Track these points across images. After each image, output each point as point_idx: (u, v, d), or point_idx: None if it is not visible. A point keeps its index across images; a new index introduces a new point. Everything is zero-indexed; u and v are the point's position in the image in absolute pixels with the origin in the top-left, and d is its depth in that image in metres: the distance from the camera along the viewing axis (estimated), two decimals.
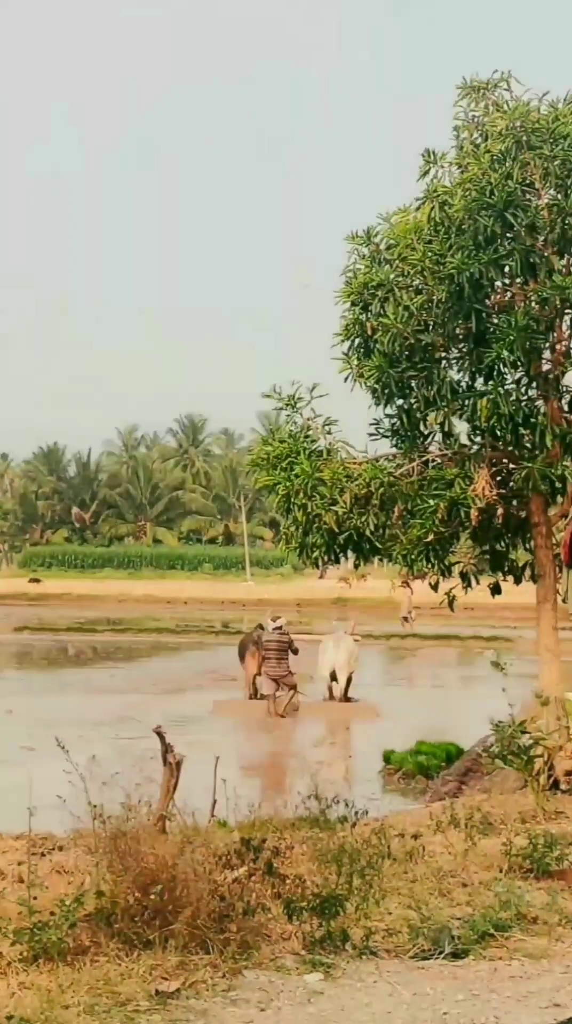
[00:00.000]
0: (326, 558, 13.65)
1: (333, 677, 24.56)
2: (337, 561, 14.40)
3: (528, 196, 12.50)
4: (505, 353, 12.36)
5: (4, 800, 9.43)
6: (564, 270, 12.68)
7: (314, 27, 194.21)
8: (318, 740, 20.79)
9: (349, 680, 24.75)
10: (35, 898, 7.45)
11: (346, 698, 24.69)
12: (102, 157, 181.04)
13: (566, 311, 12.71)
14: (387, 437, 13.59)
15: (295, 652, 24.07)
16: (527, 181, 12.46)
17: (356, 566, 16.58)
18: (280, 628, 24.10)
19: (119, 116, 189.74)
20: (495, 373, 12.82)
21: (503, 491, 13.16)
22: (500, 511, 12.92)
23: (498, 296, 13.01)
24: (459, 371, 13.25)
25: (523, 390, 13.12)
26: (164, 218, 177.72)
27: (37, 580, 77.96)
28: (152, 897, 7.40)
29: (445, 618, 49.24)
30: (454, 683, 32.61)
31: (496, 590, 14.02)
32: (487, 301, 12.90)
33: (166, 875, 7.55)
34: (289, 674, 23.70)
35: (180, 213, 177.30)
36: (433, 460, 13.35)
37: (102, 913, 7.45)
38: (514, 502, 13.45)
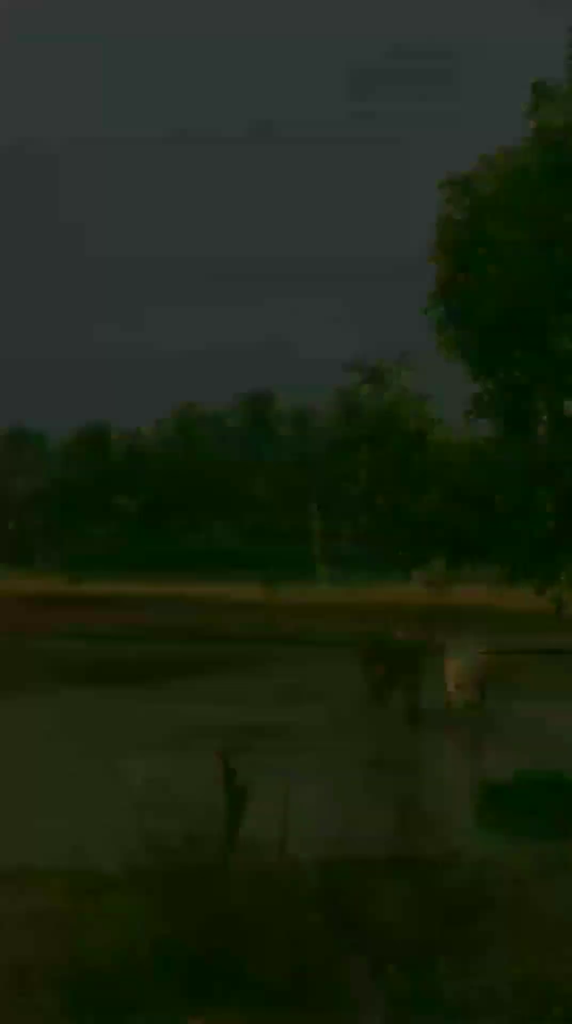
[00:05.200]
0: (415, 557, 13.63)
1: (458, 688, 26.79)
2: (426, 561, 14.38)
3: None
4: None
5: (50, 828, 9.53)
6: None
7: None
8: (419, 765, 21.15)
9: (482, 693, 27.11)
10: (82, 945, 7.53)
11: (473, 710, 26.78)
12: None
13: None
14: (488, 417, 13.54)
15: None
16: None
17: (448, 567, 16.51)
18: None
19: None
20: None
21: None
22: None
23: None
24: None
25: None
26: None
27: (78, 580, 78.36)
28: (215, 945, 7.44)
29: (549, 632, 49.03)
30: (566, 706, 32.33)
31: None
32: None
33: (231, 921, 7.59)
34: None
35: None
36: (543, 443, 13.27)
37: (158, 962, 7.51)
38: None
